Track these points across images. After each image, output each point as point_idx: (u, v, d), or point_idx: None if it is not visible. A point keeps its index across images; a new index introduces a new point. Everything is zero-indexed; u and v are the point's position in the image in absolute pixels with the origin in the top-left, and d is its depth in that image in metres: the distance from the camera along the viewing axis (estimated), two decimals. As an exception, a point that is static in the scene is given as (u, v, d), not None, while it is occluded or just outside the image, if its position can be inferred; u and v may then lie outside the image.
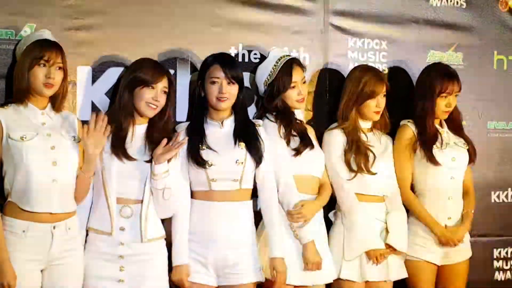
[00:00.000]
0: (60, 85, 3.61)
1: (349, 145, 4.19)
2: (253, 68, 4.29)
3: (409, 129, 4.41)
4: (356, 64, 4.54)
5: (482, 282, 4.85)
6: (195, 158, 3.81)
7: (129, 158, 3.72)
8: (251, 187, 3.94)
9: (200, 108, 3.93)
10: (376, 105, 4.23)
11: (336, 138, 4.22)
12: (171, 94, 3.83)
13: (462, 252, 4.43)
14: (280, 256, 3.88)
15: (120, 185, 3.72)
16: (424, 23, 4.79)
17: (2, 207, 3.56)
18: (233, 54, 4.27)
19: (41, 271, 3.57)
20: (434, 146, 4.36)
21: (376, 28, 4.67)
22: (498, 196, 4.96)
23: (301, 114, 4.30)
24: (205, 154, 3.82)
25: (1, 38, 3.79)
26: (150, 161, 3.74)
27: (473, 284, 4.60)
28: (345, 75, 4.45)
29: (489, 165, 4.90)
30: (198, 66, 4.13)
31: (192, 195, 3.88)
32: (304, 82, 4.16)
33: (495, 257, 4.94)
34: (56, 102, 3.65)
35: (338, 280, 4.17)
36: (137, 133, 3.79)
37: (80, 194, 3.69)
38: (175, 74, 4.15)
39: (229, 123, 3.94)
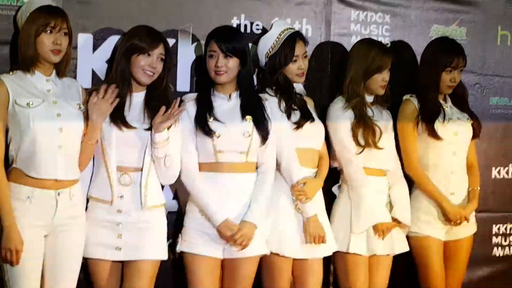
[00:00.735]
0: (66, 51, 3.62)
1: (357, 120, 4.18)
2: (255, 39, 4.27)
3: (411, 104, 4.40)
4: (359, 37, 4.52)
5: (481, 258, 4.86)
6: (203, 127, 3.81)
7: (128, 126, 3.72)
8: (256, 160, 3.95)
9: (207, 81, 3.92)
10: (383, 79, 4.22)
11: (343, 113, 4.20)
12: (168, 61, 3.81)
13: (466, 228, 4.44)
14: (252, 221, 3.85)
15: (119, 154, 3.73)
16: (428, -3, 4.78)
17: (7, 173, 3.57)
18: (235, 25, 4.26)
19: (44, 237, 3.59)
20: (436, 120, 4.35)
21: (379, 1, 4.64)
22: (499, 172, 4.95)
23: (301, 87, 4.30)
24: (212, 125, 3.83)
25: (3, 4, 3.78)
26: (149, 129, 3.74)
27: (472, 260, 4.60)
28: (348, 48, 4.44)
29: (490, 141, 4.89)
30: (200, 36, 4.13)
31: (199, 167, 3.87)
32: (306, 57, 4.15)
33: (494, 233, 4.94)
34: (61, 67, 3.66)
35: (344, 253, 4.18)
36: (134, 101, 3.79)
37: (83, 162, 3.71)
38: (176, 44, 4.14)
39: (236, 97, 3.93)
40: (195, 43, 4.17)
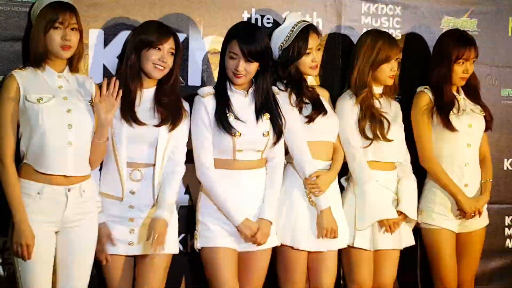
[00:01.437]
0: (77, 46, 3.62)
1: (363, 113, 4.18)
2: (266, 33, 4.23)
3: (426, 96, 4.39)
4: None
5: (494, 249, 4.85)
6: (223, 123, 3.80)
7: (138, 122, 3.73)
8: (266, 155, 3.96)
9: (225, 75, 3.90)
10: (391, 69, 4.21)
11: (348, 105, 4.20)
12: (178, 56, 3.81)
13: (479, 220, 4.43)
14: (269, 219, 3.89)
15: (130, 150, 3.73)
16: (439, -12, 4.76)
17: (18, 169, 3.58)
18: (245, 19, 4.26)
19: (56, 233, 3.60)
20: (451, 112, 4.34)
21: (390, -7, 4.65)
22: (511, 164, 4.94)
23: (312, 79, 4.30)
24: (234, 123, 3.82)
25: (14, 0, 3.78)
26: (159, 125, 3.74)
27: (484, 251, 4.60)
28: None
29: (502, 132, 4.87)
30: (211, 30, 4.13)
31: (214, 163, 3.86)
32: (319, 49, 4.14)
33: (506, 224, 4.93)
34: (73, 63, 3.66)
35: (349, 247, 4.18)
36: (145, 96, 3.79)
37: (95, 160, 3.70)
38: (187, 38, 4.14)
39: (252, 92, 3.92)
40: (206, 38, 4.17)
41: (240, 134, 3.81)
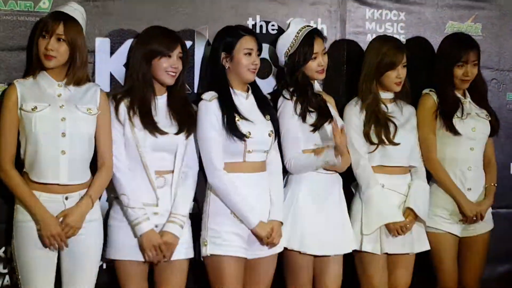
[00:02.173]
0: (67, 58, 3.61)
1: (367, 118, 4.18)
2: (271, 39, 4.28)
3: (430, 98, 4.38)
4: (374, 35, 4.52)
5: (500, 254, 4.83)
6: (232, 126, 3.81)
7: (161, 132, 3.74)
8: None
9: (225, 79, 3.91)
10: (397, 76, 4.20)
11: (353, 111, 4.21)
12: (185, 59, 3.83)
13: (483, 224, 4.42)
14: (280, 220, 3.92)
15: (155, 158, 3.75)
16: (442, -7, 4.77)
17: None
18: (250, 26, 4.27)
19: (57, 242, 3.62)
20: (455, 115, 4.35)
21: (394, -2, 4.66)
22: (517, 168, 4.94)
23: (318, 85, 4.30)
24: (242, 125, 3.83)
25: (20, 10, 3.81)
26: (178, 133, 3.77)
27: (491, 256, 4.59)
28: (363, 47, 4.44)
29: (508, 137, 4.86)
30: (216, 38, 4.15)
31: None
32: (325, 53, 4.15)
33: (513, 229, 4.93)
34: (68, 73, 3.65)
35: (360, 252, 4.19)
36: (159, 104, 3.81)
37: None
38: (193, 46, 4.16)
39: (250, 94, 3.96)
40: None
41: (250, 133, 3.82)
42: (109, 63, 4.00)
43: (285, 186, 4.07)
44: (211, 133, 3.81)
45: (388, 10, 4.64)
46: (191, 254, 3.86)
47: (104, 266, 3.97)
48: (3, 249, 3.82)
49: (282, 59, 4.14)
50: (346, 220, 4.14)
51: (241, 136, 3.80)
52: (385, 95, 4.27)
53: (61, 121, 3.58)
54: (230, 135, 3.80)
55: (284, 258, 4.03)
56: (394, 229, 4.16)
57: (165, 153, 3.78)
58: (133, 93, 3.75)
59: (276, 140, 3.97)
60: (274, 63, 4.27)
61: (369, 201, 4.17)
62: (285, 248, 4.00)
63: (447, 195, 4.36)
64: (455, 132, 4.32)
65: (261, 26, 4.32)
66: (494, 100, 4.76)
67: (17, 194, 3.56)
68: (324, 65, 4.10)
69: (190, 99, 4.00)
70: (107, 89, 3.94)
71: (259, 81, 4.13)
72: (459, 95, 4.42)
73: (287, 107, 4.02)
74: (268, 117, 3.93)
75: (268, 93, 4.13)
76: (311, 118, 4.04)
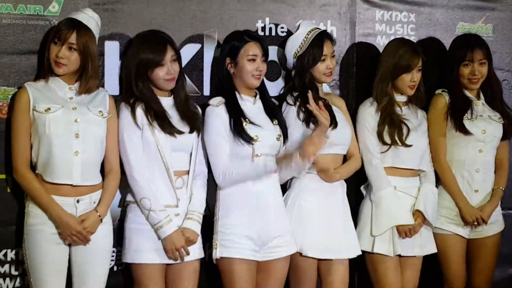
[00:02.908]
0: (79, 66, 3.63)
1: (382, 118, 4.18)
2: (280, 42, 4.29)
3: (442, 98, 4.37)
4: (384, 37, 4.52)
5: (512, 256, 4.83)
6: (240, 132, 3.81)
7: (179, 132, 3.75)
8: None
9: (232, 85, 3.93)
10: (411, 79, 4.19)
11: (367, 112, 4.21)
12: (179, 58, 3.82)
13: (492, 226, 4.40)
14: None
15: (173, 159, 3.76)
16: (453, -6, 4.76)
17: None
18: (259, 28, 4.28)
19: (69, 245, 3.63)
20: (464, 116, 4.33)
21: (404, 0, 4.63)
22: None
23: (328, 88, 4.30)
24: (250, 129, 3.84)
25: (30, 14, 3.82)
26: (191, 131, 3.80)
27: (503, 258, 4.57)
28: (372, 49, 4.44)
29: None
30: (225, 41, 4.16)
31: None
32: (333, 56, 4.14)
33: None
34: (81, 82, 3.67)
35: (370, 254, 4.19)
36: (167, 106, 3.81)
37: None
38: (202, 49, 4.16)
39: (258, 99, 3.96)
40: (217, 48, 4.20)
41: (257, 137, 3.83)
42: (119, 66, 4.00)
43: (288, 189, 4.08)
44: (217, 138, 3.82)
45: (398, 12, 4.63)
46: (202, 254, 3.88)
47: (115, 269, 3.99)
48: (14, 251, 3.84)
49: (290, 60, 4.14)
50: (350, 225, 4.14)
51: (249, 140, 3.81)
52: (399, 98, 4.27)
53: (75, 123, 3.60)
54: (238, 139, 3.81)
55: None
56: (403, 231, 4.16)
57: (182, 153, 3.80)
58: (144, 98, 3.76)
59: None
60: (282, 66, 4.26)
61: (380, 202, 4.17)
62: None
63: None
64: (463, 131, 4.30)
65: (270, 29, 4.33)
66: (505, 101, 4.72)
67: (33, 196, 3.58)
68: (332, 68, 4.10)
69: (200, 101, 4.01)
70: (116, 92, 3.95)
71: (268, 84, 4.14)
72: (471, 96, 4.40)
73: (290, 113, 4.03)
74: (275, 121, 3.93)
75: (274, 97, 4.12)
76: (315, 123, 4.04)
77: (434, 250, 4.31)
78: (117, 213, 3.94)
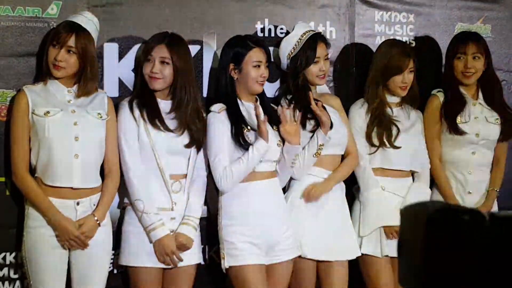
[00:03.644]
0: (77, 69, 3.62)
1: (371, 119, 4.17)
2: (278, 43, 4.26)
3: (436, 99, 4.36)
4: (384, 38, 4.51)
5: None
6: (241, 140, 3.79)
7: (167, 129, 3.73)
8: None
9: (233, 90, 3.90)
10: (402, 81, 4.17)
11: (357, 113, 4.20)
12: (179, 66, 3.75)
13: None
14: None
15: (170, 162, 3.75)
16: (452, -5, 4.75)
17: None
18: (259, 29, 4.27)
19: (69, 248, 3.62)
20: (458, 118, 4.31)
21: (403, 1, 4.62)
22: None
23: (326, 88, 4.29)
24: (250, 136, 3.82)
25: (28, 16, 3.81)
26: (188, 145, 3.78)
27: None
28: (372, 49, 4.43)
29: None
30: (224, 42, 4.13)
31: None
32: (327, 59, 4.12)
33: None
34: (79, 85, 3.66)
35: (362, 255, 4.17)
36: (162, 108, 3.79)
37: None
38: (201, 50, 4.15)
39: (259, 105, 3.93)
40: (220, 49, 4.16)
41: None
42: (118, 68, 3.99)
43: (286, 190, 4.07)
44: (219, 144, 3.79)
45: (397, 12, 4.61)
46: (199, 260, 3.87)
47: (115, 272, 3.98)
48: (13, 254, 3.83)
49: (284, 61, 4.13)
50: (349, 226, 4.13)
51: (248, 145, 3.78)
52: (392, 99, 4.25)
53: (74, 126, 3.60)
54: (239, 145, 3.79)
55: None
56: (389, 232, 4.15)
57: (180, 157, 3.77)
58: (142, 98, 3.75)
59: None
60: (277, 66, 4.25)
61: (367, 202, 4.16)
62: None
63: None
64: (457, 132, 4.28)
65: (269, 30, 4.31)
66: (504, 102, 4.73)
67: (32, 200, 3.57)
68: (325, 71, 4.08)
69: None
70: (115, 94, 3.94)
71: (267, 85, 4.11)
72: (468, 95, 4.37)
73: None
74: (275, 127, 3.91)
75: (269, 99, 4.10)
76: (311, 124, 4.02)
77: None
78: (117, 215, 3.93)
